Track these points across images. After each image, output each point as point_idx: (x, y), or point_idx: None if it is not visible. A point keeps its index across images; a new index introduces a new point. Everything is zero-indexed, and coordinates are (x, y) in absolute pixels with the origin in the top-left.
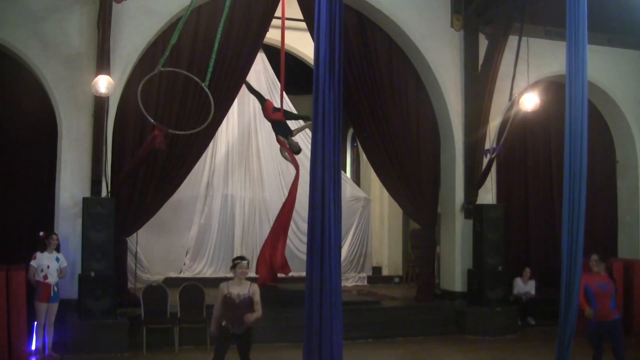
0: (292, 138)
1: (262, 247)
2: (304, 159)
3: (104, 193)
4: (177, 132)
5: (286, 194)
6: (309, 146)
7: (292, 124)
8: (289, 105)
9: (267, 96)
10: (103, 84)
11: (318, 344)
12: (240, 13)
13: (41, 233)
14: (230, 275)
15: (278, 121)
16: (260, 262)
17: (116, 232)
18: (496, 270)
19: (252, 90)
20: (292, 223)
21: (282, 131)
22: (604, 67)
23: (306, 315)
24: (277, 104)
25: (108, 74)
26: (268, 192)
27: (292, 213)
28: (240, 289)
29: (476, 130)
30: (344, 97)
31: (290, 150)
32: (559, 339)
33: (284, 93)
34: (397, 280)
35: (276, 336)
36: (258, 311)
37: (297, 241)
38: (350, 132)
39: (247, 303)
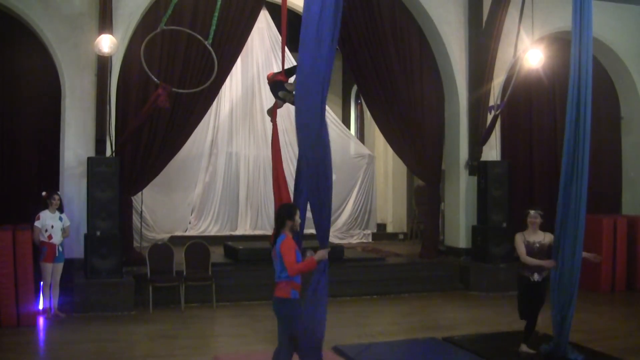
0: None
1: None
2: None
3: (108, 152)
4: (181, 91)
5: (291, 152)
6: None
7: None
8: (291, 62)
9: (270, 53)
10: (106, 43)
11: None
12: None
13: (43, 193)
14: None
15: (277, 82)
16: None
17: (121, 191)
18: (500, 226)
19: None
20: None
21: (278, 90)
22: (609, 23)
23: None
24: (280, 61)
25: (111, 33)
26: None
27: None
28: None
29: (480, 86)
30: (348, 54)
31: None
32: (562, 295)
33: (287, 50)
34: (401, 236)
35: None
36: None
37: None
38: (354, 89)
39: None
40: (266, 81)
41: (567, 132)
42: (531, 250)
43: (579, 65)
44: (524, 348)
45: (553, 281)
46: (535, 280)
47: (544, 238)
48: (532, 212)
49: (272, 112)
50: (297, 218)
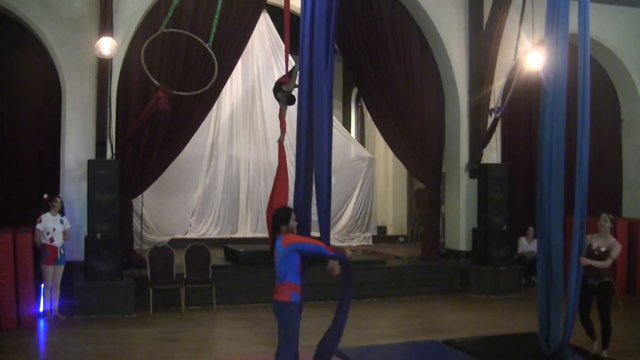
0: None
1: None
2: None
3: (108, 155)
4: (181, 94)
5: (292, 156)
6: None
7: None
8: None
9: (270, 56)
10: (106, 45)
11: None
12: None
13: (45, 195)
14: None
15: (278, 84)
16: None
17: (121, 193)
18: (500, 229)
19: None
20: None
21: (277, 92)
22: (609, 25)
23: None
24: (282, 65)
25: (111, 35)
26: (273, 152)
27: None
28: (602, 242)
29: (481, 89)
30: (348, 57)
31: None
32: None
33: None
34: (402, 239)
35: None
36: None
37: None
38: (355, 91)
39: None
40: (266, 84)
41: (543, 137)
42: (590, 254)
43: (580, 67)
44: (604, 354)
45: (540, 280)
46: (589, 284)
47: (609, 244)
48: (603, 214)
49: (281, 119)
50: (292, 222)
